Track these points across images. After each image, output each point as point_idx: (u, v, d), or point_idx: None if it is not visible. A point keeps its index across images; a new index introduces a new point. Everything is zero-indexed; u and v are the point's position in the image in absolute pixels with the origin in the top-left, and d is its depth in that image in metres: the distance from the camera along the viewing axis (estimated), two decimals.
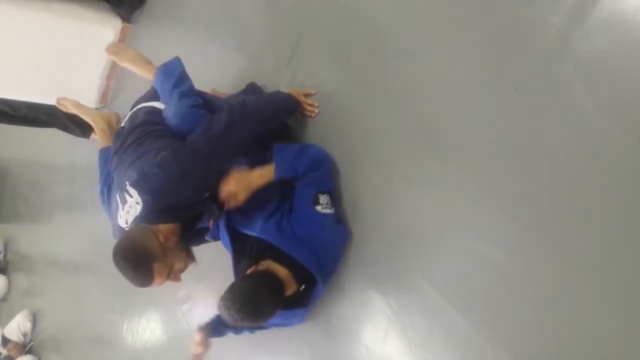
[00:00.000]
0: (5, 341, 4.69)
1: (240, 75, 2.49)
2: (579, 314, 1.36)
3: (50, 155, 4.70)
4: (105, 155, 2.28)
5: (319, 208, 1.88)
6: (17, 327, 4.71)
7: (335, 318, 2.00)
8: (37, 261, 5.08)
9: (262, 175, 1.94)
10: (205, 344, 2.11)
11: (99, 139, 2.58)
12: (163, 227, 1.76)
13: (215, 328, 2.15)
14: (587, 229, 1.35)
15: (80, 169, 4.16)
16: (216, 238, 2.16)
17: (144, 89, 2.30)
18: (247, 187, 1.91)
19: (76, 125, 3.73)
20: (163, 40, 3.31)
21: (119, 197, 1.88)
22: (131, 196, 1.82)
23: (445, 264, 1.66)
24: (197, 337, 2.12)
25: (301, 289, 1.92)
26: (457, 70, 1.68)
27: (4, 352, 4.65)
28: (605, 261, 1.32)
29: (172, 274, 1.79)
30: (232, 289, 1.80)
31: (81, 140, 3.83)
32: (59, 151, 4.45)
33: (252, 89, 2.43)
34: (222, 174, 1.90)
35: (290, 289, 1.88)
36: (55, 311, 4.66)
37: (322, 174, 1.96)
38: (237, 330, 2.17)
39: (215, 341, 2.18)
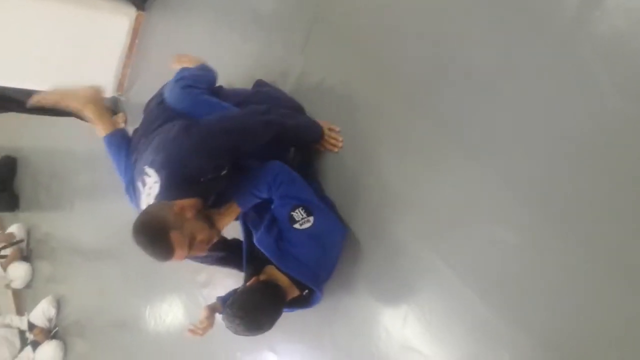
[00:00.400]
0: (32, 327, 4.78)
1: (253, 63, 2.49)
2: (597, 297, 1.36)
3: (70, 144, 4.75)
4: (115, 142, 2.24)
5: (297, 226, 1.88)
6: (42, 313, 4.79)
7: (354, 304, 2.02)
8: (60, 249, 5.15)
9: (228, 215, 1.95)
10: (210, 321, 2.13)
11: (97, 126, 2.38)
12: (180, 201, 1.77)
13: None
14: (604, 212, 1.35)
15: (99, 157, 4.18)
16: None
17: (160, 76, 2.31)
18: (220, 227, 1.93)
19: None
20: (176, 28, 3.31)
21: (140, 183, 1.91)
22: (150, 176, 1.85)
23: (464, 249, 1.66)
24: (203, 313, 2.14)
25: (304, 293, 1.96)
26: (475, 54, 1.67)
27: (31, 337, 4.75)
28: (623, 244, 1.31)
29: (196, 245, 1.78)
30: (234, 302, 1.83)
31: None
32: (78, 140, 4.49)
33: (262, 83, 2.42)
34: (234, 155, 1.89)
35: (293, 294, 1.91)
36: (79, 297, 4.73)
37: (284, 188, 1.91)
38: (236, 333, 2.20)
39: None
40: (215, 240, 1.90)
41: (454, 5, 1.75)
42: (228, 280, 2.74)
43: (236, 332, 1.82)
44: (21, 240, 5.61)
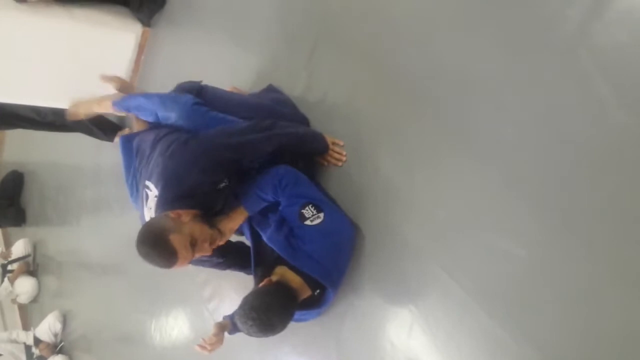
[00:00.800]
0: (37, 342, 4.79)
1: (258, 77, 2.52)
2: (604, 310, 1.35)
3: (76, 159, 4.79)
4: (127, 145, 2.24)
5: (308, 222, 1.89)
6: (48, 328, 4.81)
7: (360, 314, 2.01)
8: (66, 263, 5.17)
9: (236, 218, 1.98)
10: (219, 338, 2.14)
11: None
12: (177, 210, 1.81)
13: (236, 326, 2.18)
14: (610, 225, 1.34)
15: (105, 172, 4.23)
16: (240, 232, 2.19)
17: (166, 91, 2.34)
18: (226, 235, 1.96)
19: (100, 130, 3.81)
20: (181, 44, 3.35)
21: (143, 196, 1.95)
22: (150, 190, 1.91)
23: (469, 261, 1.66)
24: (213, 330, 2.15)
25: (315, 293, 1.95)
26: (477, 66, 1.68)
27: (37, 352, 4.75)
28: (630, 257, 1.31)
29: (198, 246, 1.80)
30: (247, 303, 1.83)
31: (105, 144, 3.91)
32: (84, 155, 4.53)
33: (271, 89, 2.45)
34: (231, 170, 1.92)
35: (304, 294, 1.91)
36: (85, 312, 4.74)
37: (291, 189, 1.92)
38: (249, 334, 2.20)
39: (245, 339, 2.21)
40: (220, 240, 1.92)
41: (456, 19, 1.77)
42: (233, 294, 2.75)
43: (249, 333, 1.83)
44: (28, 255, 5.64)
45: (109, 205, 4.11)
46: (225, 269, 2.38)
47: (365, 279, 1.99)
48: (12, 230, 6.38)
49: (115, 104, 2.23)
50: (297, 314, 1.97)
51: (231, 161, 1.91)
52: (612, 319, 1.34)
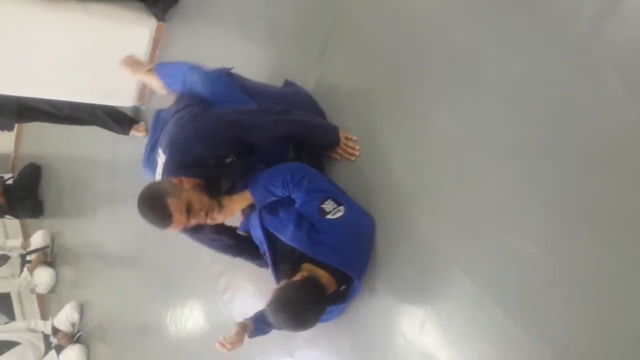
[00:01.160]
0: (55, 331, 4.86)
1: (271, 71, 2.53)
2: (617, 308, 1.35)
3: (92, 152, 4.84)
4: (157, 119, 2.35)
5: (329, 216, 1.89)
6: (65, 317, 4.88)
7: (374, 308, 2.03)
8: (83, 254, 5.24)
9: (240, 201, 2.01)
10: (239, 337, 2.16)
11: None
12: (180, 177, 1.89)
13: (258, 327, 2.21)
14: (625, 222, 1.34)
15: (121, 165, 4.28)
16: (247, 231, 2.21)
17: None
18: (226, 213, 2.00)
19: (116, 123, 3.86)
20: (195, 38, 3.36)
21: (157, 160, 2.04)
22: (160, 157, 1.99)
23: (483, 258, 1.66)
24: (234, 329, 2.17)
25: (341, 288, 1.96)
26: (492, 63, 1.68)
27: (55, 341, 4.83)
28: None
29: (194, 213, 1.85)
30: (281, 297, 1.84)
31: (121, 137, 3.96)
32: (101, 148, 4.58)
33: (289, 83, 2.47)
34: (236, 148, 1.96)
35: (331, 289, 1.92)
36: (101, 302, 4.81)
37: (308, 183, 1.92)
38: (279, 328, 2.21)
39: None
40: (218, 214, 1.96)
41: (470, 16, 1.76)
42: (247, 285, 2.78)
43: (280, 327, 1.86)
44: (46, 246, 5.72)
45: (124, 198, 4.16)
46: (236, 255, 2.41)
47: (379, 274, 2.00)
48: (29, 221, 6.47)
49: (155, 69, 2.36)
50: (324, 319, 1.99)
51: (236, 139, 1.95)
52: (625, 317, 1.34)
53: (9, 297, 6.33)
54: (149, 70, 2.49)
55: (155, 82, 2.52)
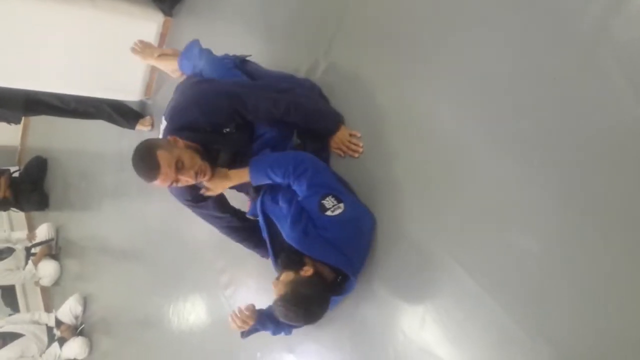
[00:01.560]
0: (59, 323, 4.88)
1: (277, 66, 2.53)
2: (619, 307, 1.36)
3: (98, 145, 4.86)
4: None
5: (329, 213, 1.89)
6: (69, 310, 4.90)
7: (374, 304, 2.03)
8: (87, 247, 5.26)
9: (236, 175, 2.05)
10: (251, 315, 2.18)
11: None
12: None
13: (261, 320, 2.22)
14: (628, 221, 1.34)
15: (127, 159, 4.26)
16: (254, 215, 2.23)
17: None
18: (220, 184, 2.06)
19: (122, 117, 3.87)
20: (203, 33, 3.36)
21: (161, 129, 2.12)
22: (162, 124, 2.09)
23: (484, 255, 1.67)
24: (250, 309, 2.19)
25: (338, 279, 1.97)
26: (495, 60, 1.68)
27: (58, 333, 4.85)
28: None
29: (183, 171, 1.88)
30: (294, 292, 1.86)
31: (127, 131, 3.97)
32: (106, 142, 4.60)
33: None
34: (232, 118, 2.00)
35: (329, 280, 1.93)
36: (105, 295, 4.83)
37: (311, 176, 1.92)
38: (276, 330, 2.24)
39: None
40: (208, 179, 1.99)
41: (475, 11, 1.77)
42: (250, 281, 2.79)
43: (289, 321, 1.89)
44: (51, 239, 5.74)
45: (130, 192, 4.17)
46: (238, 239, 2.43)
47: (380, 270, 2.01)
48: (35, 214, 6.50)
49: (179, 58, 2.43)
50: None
51: (234, 110, 1.99)
52: (627, 316, 1.34)
53: (13, 289, 6.35)
54: (160, 56, 2.55)
55: (166, 66, 2.58)
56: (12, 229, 6.52)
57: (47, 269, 5.52)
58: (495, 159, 1.66)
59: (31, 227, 6.39)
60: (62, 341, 4.79)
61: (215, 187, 2.06)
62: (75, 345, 4.70)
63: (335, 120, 2.15)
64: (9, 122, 4.18)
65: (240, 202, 2.47)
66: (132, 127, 3.92)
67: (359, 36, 2.23)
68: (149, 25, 3.59)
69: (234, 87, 2.04)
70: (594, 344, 1.40)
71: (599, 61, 1.41)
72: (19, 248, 5.69)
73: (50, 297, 6.07)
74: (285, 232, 1.97)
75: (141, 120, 3.93)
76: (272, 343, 2.54)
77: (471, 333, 1.69)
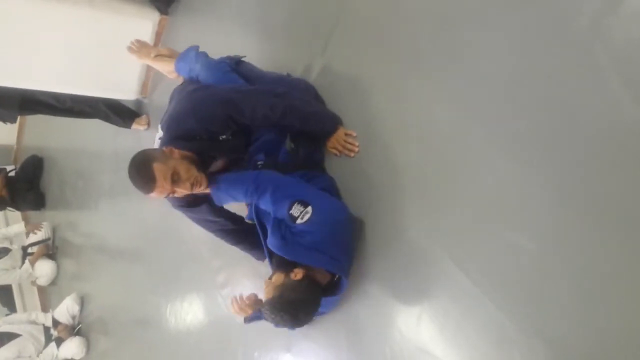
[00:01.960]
0: (56, 323, 4.87)
1: (273, 66, 2.53)
2: (614, 305, 1.35)
3: (94, 144, 4.85)
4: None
5: (299, 221, 1.88)
6: (66, 310, 4.88)
7: (370, 304, 2.03)
8: (84, 247, 5.25)
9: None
10: (252, 303, 2.20)
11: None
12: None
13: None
14: (622, 220, 1.34)
15: (123, 158, 4.25)
16: (253, 220, 2.23)
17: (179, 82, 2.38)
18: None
19: (118, 116, 3.87)
20: (200, 31, 3.37)
21: (156, 137, 2.15)
22: (158, 133, 2.11)
23: (479, 253, 1.67)
24: (250, 299, 2.21)
25: (335, 279, 1.98)
26: (491, 60, 1.68)
27: (55, 333, 4.84)
28: None
29: (179, 183, 1.88)
30: (281, 296, 1.88)
31: (123, 130, 3.96)
32: (103, 141, 4.59)
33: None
34: (228, 125, 2.01)
35: (325, 280, 1.94)
36: (102, 295, 4.82)
37: (273, 194, 1.93)
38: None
39: (257, 326, 2.25)
40: (202, 186, 1.98)
41: (472, 11, 1.77)
42: (246, 281, 2.78)
43: (276, 325, 1.89)
44: (48, 239, 5.73)
45: (126, 192, 4.16)
46: (233, 242, 2.44)
47: (375, 270, 2.01)
48: (31, 213, 6.49)
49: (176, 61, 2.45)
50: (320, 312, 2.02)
51: (229, 117, 1.99)
52: (624, 317, 1.34)
53: (10, 289, 6.34)
54: (156, 56, 2.55)
55: (162, 67, 2.57)
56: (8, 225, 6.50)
57: (44, 269, 5.51)
58: (493, 159, 1.66)
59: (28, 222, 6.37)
60: (59, 341, 4.77)
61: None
62: (73, 345, 4.69)
63: (332, 122, 2.15)
64: (4, 121, 4.16)
65: (239, 206, 2.47)
66: (128, 126, 3.91)
67: (356, 35, 2.23)
68: (145, 23, 3.59)
69: (229, 94, 2.03)
70: (591, 344, 1.40)
71: (596, 61, 1.41)
72: (15, 248, 5.68)
73: (47, 296, 6.06)
74: (268, 241, 1.99)
75: (137, 119, 3.92)
76: (270, 343, 2.54)
77: (468, 332, 1.69)
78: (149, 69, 3.83)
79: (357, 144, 2.11)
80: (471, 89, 1.74)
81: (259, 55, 2.67)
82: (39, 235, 5.67)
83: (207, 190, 2.03)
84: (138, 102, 4.06)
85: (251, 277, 2.71)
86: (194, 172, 1.93)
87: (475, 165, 1.71)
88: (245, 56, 2.39)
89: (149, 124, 3.91)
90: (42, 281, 5.57)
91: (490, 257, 1.63)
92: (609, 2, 1.39)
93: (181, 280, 3.43)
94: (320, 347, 2.27)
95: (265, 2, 2.82)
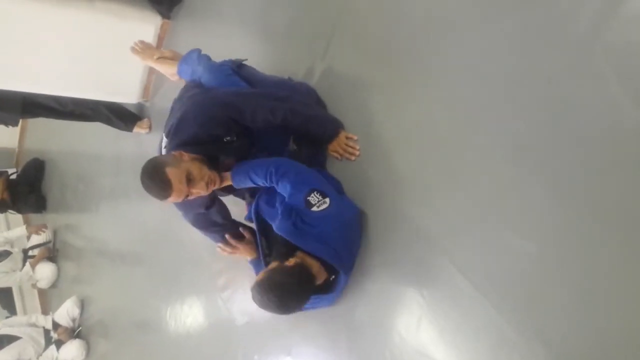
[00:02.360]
0: (56, 326, 4.87)
1: (275, 69, 2.54)
2: (613, 308, 1.36)
3: (96, 148, 4.86)
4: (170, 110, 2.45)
5: (315, 209, 1.90)
6: (66, 312, 4.89)
7: (370, 307, 2.04)
8: (85, 250, 5.25)
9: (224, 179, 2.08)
10: (242, 244, 2.33)
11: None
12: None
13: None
14: (621, 224, 1.35)
15: (125, 161, 4.30)
16: (252, 220, 2.24)
17: (181, 85, 2.39)
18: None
19: (119, 120, 3.88)
20: (201, 36, 3.38)
21: (162, 146, 2.13)
22: (163, 141, 2.11)
23: (478, 256, 1.67)
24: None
25: (331, 279, 1.98)
26: (491, 62, 1.69)
27: (55, 336, 4.84)
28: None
29: (194, 183, 1.90)
30: (270, 279, 1.87)
31: (125, 134, 3.97)
32: (104, 144, 4.60)
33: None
34: (231, 128, 2.02)
35: (321, 278, 1.94)
36: (102, 298, 4.82)
37: (294, 177, 1.95)
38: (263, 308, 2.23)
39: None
40: (216, 183, 2.02)
41: (472, 14, 1.78)
42: (247, 284, 2.78)
43: (264, 308, 1.88)
44: (48, 241, 5.73)
45: (127, 195, 4.17)
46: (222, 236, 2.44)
47: (375, 272, 2.01)
48: (32, 216, 6.49)
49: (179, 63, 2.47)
50: (312, 299, 2.00)
51: (232, 120, 2.00)
52: (623, 319, 1.34)
53: (10, 291, 6.34)
54: (159, 58, 2.56)
55: (164, 69, 2.58)
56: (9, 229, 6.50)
57: (45, 272, 5.51)
58: (493, 162, 1.66)
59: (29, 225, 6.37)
60: (59, 344, 4.77)
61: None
62: (73, 348, 4.69)
63: (334, 126, 2.16)
64: (6, 124, 4.18)
65: (238, 210, 2.49)
66: (130, 129, 3.92)
67: (357, 38, 2.23)
68: (146, 27, 3.60)
69: (229, 97, 2.04)
70: (589, 346, 1.40)
71: (595, 63, 1.41)
72: (16, 250, 5.68)
73: (47, 299, 6.06)
74: (276, 224, 1.99)
75: (139, 123, 3.93)
76: (270, 345, 2.54)
77: (467, 335, 1.69)
78: (150, 72, 3.84)
79: (358, 147, 2.12)
80: (471, 90, 1.74)
81: (260, 58, 2.68)
82: (40, 237, 5.68)
83: (225, 183, 2.07)
84: (140, 106, 4.07)
85: (252, 279, 2.70)
86: (207, 171, 1.96)
87: (475, 168, 1.71)
88: (247, 59, 2.40)
89: (150, 128, 3.92)
90: (43, 284, 5.57)
91: (490, 259, 1.64)
92: (609, 5, 1.39)
93: (181, 283, 3.44)
94: (321, 349, 2.27)
95: (267, 6, 2.83)
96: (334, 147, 2.17)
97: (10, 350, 4.73)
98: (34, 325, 5.05)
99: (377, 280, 2.01)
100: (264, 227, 2.12)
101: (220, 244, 2.36)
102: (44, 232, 5.65)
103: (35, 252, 5.61)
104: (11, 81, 3.37)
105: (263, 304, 1.86)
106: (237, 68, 2.32)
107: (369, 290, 2.04)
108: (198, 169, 1.92)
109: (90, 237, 5.12)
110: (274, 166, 1.96)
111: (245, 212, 2.43)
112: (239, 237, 2.40)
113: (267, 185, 2.00)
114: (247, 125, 2.05)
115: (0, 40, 3.14)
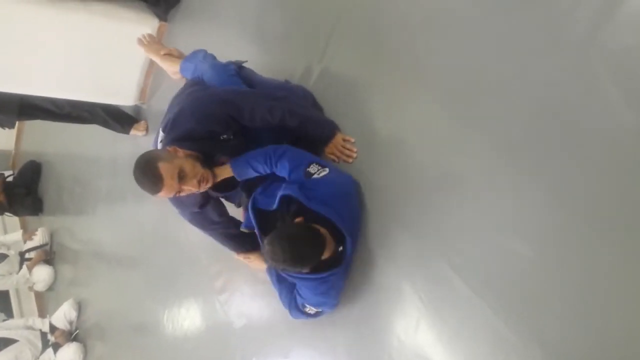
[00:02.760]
0: (53, 329, 4.86)
1: (273, 71, 2.54)
2: (610, 310, 1.36)
3: (93, 150, 4.85)
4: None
5: (315, 176, 1.94)
6: (63, 315, 4.87)
7: (368, 310, 2.04)
8: (82, 252, 5.24)
9: (220, 172, 2.08)
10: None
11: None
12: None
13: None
14: (617, 226, 1.35)
15: (121, 163, 4.29)
16: (250, 228, 2.22)
17: (181, 85, 2.38)
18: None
19: (116, 122, 3.87)
20: (198, 38, 3.37)
21: (158, 141, 2.14)
22: (159, 135, 2.11)
23: (476, 259, 1.67)
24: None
25: (339, 250, 1.96)
26: (490, 62, 1.69)
27: (52, 339, 4.83)
28: (637, 258, 1.31)
29: (186, 180, 1.89)
30: (283, 231, 1.87)
31: (121, 136, 3.96)
32: (101, 147, 4.59)
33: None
34: (228, 125, 2.02)
35: (329, 247, 1.90)
36: (99, 300, 4.81)
37: (293, 157, 1.99)
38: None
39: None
40: (209, 182, 2.00)
41: (470, 16, 1.78)
42: (244, 286, 2.78)
43: (275, 261, 1.83)
44: (45, 244, 5.72)
45: (124, 197, 4.17)
46: (234, 247, 2.44)
47: (372, 275, 2.01)
48: (29, 219, 6.48)
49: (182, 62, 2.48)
50: (326, 278, 1.98)
51: (230, 117, 2.00)
52: (621, 320, 1.34)
53: (7, 294, 6.32)
54: (165, 55, 2.56)
55: (167, 66, 2.58)
56: (5, 232, 6.49)
57: (42, 274, 5.49)
58: (490, 163, 1.66)
59: (26, 231, 6.36)
60: (56, 347, 4.76)
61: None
62: (70, 351, 4.67)
63: (330, 128, 2.16)
64: (2, 126, 4.16)
65: (237, 211, 2.48)
66: (127, 131, 3.91)
67: (354, 41, 2.24)
68: (143, 30, 3.56)
69: (228, 94, 2.05)
70: (588, 347, 1.41)
71: (590, 66, 1.42)
72: (13, 253, 5.67)
73: (44, 302, 6.04)
74: (283, 189, 1.98)
75: (135, 125, 3.92)
76: (267, 348, 2.54)
77: (465, 337, 1.69)
78: (147, 74, 3.84)
79: (355, 149, 2.12)
80: (468, 92, 1.75)
81: (257, 61, 2.68)
82: (36, 240, 5.66)
83: (220, 177, 2.06)
84: (136, 108, 4.07)
85: (250, 282, 2.71)
86: (200, 169, 1.95)
87: (472, 171, 1.72)
88: (246, 61, 2.41)
89: (147, 130, 3.91)
90: (40, 287, 5.55)
91: (487, 262, 1.64)
92: (605, 8, 1.40)
93: (179, 286, 3.43)
94: (319, 353, 2.27)
95: (264, 9, 2.83)
96: (331, 149, 2.17)
97: (7, 353, 4.72)
98: (31, 328, 5.03)
99: (375, 283, 2.00)
100: (264, 226, 2.11)
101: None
102: (35, 236, 5.64)
103: (32, 254, 5.59)
104: (8, 83, 3.36)
105: (274, 254, 1.81)
106: (238, 69, 2.33)
107: (367, 294, 2.03)
108: (191, 166, 1.91)
109: (87, 240, 5.11)
110: (272, 149, 2.01)
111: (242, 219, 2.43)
112: (246, 246, 2.41)
113: (268, 170, 2.02)
114: (245, 125, 2.04)
115: None
